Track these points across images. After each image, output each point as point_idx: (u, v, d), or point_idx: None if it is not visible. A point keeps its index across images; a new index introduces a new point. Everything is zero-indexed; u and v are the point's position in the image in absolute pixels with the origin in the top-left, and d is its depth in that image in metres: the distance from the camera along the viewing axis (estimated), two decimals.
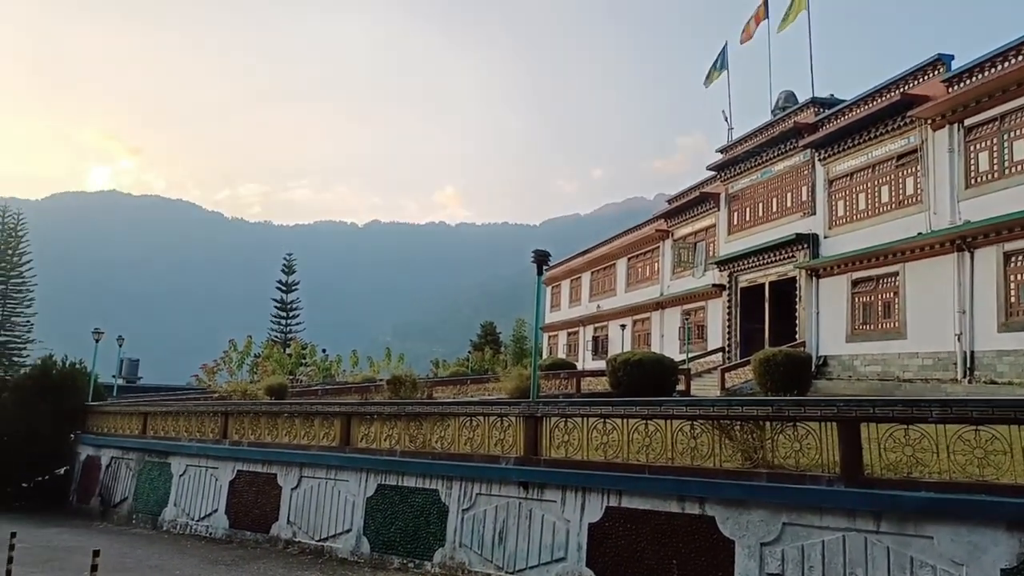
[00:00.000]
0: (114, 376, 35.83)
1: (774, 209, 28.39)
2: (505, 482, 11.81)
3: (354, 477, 14.06)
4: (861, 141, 23.69)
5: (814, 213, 25.82)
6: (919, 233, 20.69)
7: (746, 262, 29.15)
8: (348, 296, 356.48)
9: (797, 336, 25.44)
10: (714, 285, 31.55)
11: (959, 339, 19.32)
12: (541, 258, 13.11)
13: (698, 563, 9.48)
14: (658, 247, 38.39)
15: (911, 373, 20.88)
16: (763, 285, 28.27)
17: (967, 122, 19.91)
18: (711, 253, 32.76)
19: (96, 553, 9.56)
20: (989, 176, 19.30)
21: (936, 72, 21.19)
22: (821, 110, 26.26)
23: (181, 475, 18.05)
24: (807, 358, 22.39)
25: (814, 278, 25.16)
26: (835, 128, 24.52)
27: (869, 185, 23.58)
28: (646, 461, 10.41)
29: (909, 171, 22.02)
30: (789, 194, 27.56)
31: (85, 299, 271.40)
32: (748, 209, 30.16)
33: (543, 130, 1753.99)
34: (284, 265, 62.71)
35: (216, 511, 16.68)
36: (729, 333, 30.08)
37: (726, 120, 32.57)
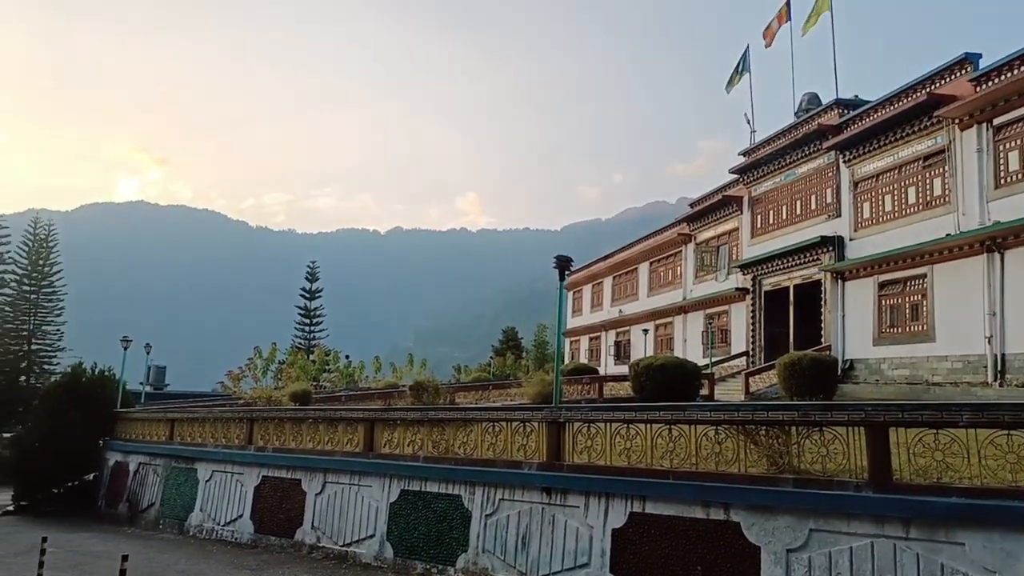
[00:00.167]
0: (142, 383, 36.43)
1: (798, 212, 28.10)
2: (528, 487, 11.77)
3: (377, 482, 14.10)
4: (887, 142, 23.38)
5: (839, 215, 25.52)
6: (948, 234, 20.35)
7: (770, 265, 28.89)
8: (371, 302, 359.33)
9: (822, 340, 25.13)
10: (737, 289, 31.28)
11: (989, 342, 18.96)
12: (563, 263, 13.06)
13: (723, 569, 9.37)
14: (680, 251, 38.15)
15: (940, 376, 20.52)
16: (787, 288, 27.98)
17: (996, 121, 19.57)
18: (734, 257, 32.48)
19: (125, 558, 9.73)
20: (1020, 175, 18.94)
21: (963, 71, 20.87)
22: (845, 111, 25.97)
23: (207, 481, 18.26)
24: (833, 362, 22.11)
25: (839, 281, 24.86)
26: (860, 129, 24.22)
27: (895, 186, 23.26)
28: (670, 466, 10.32)
29: (936, 172, 21.69)
30: (813, 196, 27.27)
31: (113, 308, 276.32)
32: (772, 212, 29.88)
33: (564, 136, 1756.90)
34: (308, 272, 63.18)
35: (241, 516, 16.85)
36: (753, 337, 29.79)
37: (748, 123, 32.39)
